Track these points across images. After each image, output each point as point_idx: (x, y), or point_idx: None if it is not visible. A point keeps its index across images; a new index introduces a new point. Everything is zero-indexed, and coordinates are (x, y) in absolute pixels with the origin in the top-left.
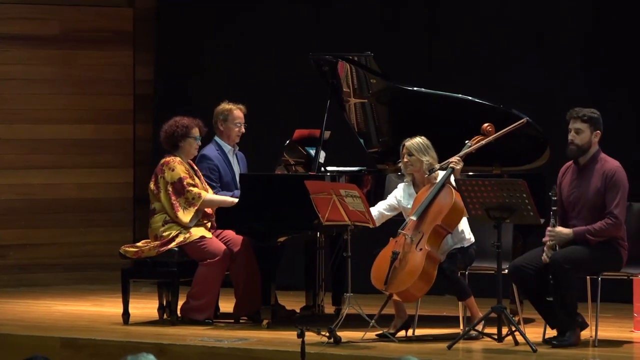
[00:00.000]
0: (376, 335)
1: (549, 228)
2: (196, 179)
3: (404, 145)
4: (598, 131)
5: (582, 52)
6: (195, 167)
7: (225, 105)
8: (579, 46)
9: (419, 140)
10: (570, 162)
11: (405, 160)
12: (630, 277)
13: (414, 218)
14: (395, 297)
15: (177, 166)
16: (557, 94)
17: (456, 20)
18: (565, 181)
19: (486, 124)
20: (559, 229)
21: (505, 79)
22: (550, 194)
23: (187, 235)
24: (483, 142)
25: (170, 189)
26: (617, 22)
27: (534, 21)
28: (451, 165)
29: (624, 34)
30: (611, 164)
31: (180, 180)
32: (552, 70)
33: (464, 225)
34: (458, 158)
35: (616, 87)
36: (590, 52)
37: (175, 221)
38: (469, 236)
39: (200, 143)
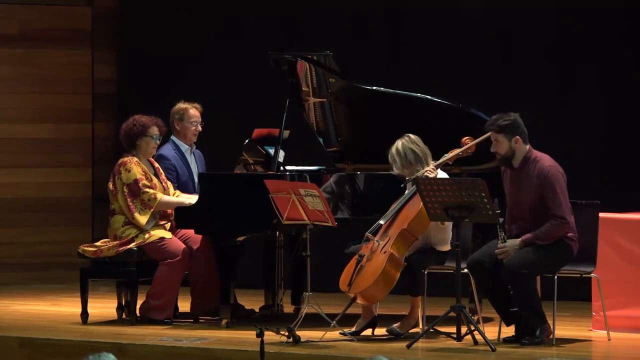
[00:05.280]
0: (340, 333)
1: (499, 245)
2: (155, 179)
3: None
4: (517, 137)
5: (546, 48)
6: (156, 166)
7: (181, 105)
8: (543, 41)
9: (395, 147)
10: None
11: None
12: (583, 275)
13: (382, 222)
14: (358, 299)
15: (134, 167)
16: (519, 91)
17: (418, 18)
18: (506, 185)
19: (466, 138)
20: (509, 242)
21: (467, 76)
22: (494, 207)
23: (147, 236)
24: (459, 152)
25: (127, 190)
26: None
27: (496, 17)
28: (425, 174)
29: (588, 30)
30: (543, 163)
31: (136, 181)
32: (513, 66)
33: (447, 232)
34: (432, 167)
35: (581, 84)
36: (554, 48)
37: (133, 223)
38: (446, 244)
39: (158, 142)
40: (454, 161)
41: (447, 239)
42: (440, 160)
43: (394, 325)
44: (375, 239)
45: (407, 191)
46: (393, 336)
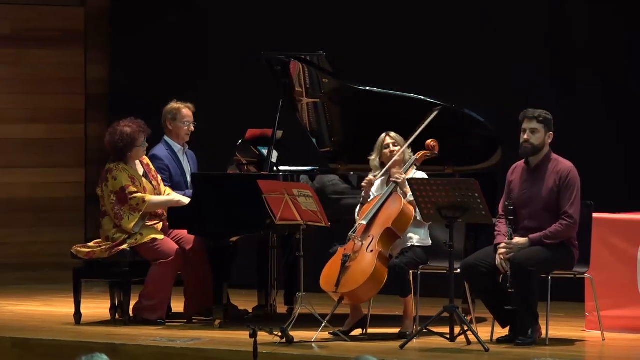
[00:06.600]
0: (330, 333)
1: (505, 240)
2: (144, 180)
3: (388, 135)
4: (551, 132)
5: (543, 47)
6: (146, 162)
7: (174, 105)
8: (538, 42)
9: (392, 133)
10: (520, 161)
11: (392, 149)
12: (577, 276)
13: (363, 222)
14: (345, 300)
15: (120, 174)
16: (515, 91)
17: (412, 17)
18: (515, 181)
19: (430, 140)
20: (516, 240)
21: (461, 77)
22: (506, 203)
23: (139, 237)
24: (425, 152)
25: (114, 198)
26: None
27: (493, 17)
28: (395, 177)
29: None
30: (565, 164)
31: (123, 189)
32: (507, 66)
33: (426, 226)
34: (401, 171)
35: (578, 84)
36: (551, 47)
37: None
38: (425, 237)
39: (147, 145)
40: (421, 162)
41: (427, 232)
42: (407, 165)
43: (401, 329)
44: (358, 238)
45: (377, 192)
46: (406, 337)
